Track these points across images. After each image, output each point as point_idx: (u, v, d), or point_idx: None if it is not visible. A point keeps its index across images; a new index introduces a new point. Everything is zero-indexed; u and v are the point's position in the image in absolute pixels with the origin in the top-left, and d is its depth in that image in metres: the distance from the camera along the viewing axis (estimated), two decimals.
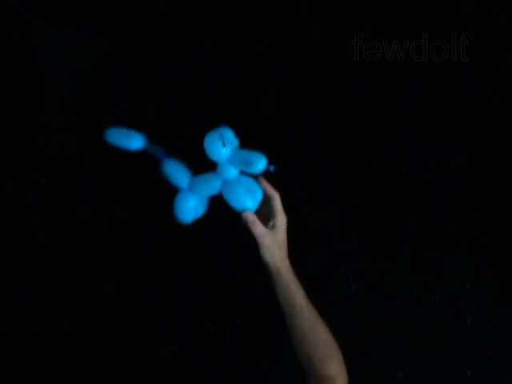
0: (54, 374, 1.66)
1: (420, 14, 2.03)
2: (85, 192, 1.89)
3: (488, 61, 1.93)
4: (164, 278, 1.73)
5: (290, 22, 2.08)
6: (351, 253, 1.72)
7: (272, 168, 0.82)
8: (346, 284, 1.67)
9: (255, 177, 0.85)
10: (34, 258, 1.81)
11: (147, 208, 1.82)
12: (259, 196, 0.83)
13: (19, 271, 1.80)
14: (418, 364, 1.58)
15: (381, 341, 1.60)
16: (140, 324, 1.69)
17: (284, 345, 1.54)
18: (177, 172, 0.86)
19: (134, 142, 0.88)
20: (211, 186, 0.85)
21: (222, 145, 0.82)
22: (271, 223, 0.83)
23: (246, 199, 0.82)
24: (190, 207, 0.86)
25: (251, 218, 0.81)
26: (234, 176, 0.83)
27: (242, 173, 0.84)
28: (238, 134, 0.85)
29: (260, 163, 0.81)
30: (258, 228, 0.81)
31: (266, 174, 0.84)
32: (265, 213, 0.84)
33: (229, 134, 0.83)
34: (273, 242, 0.81)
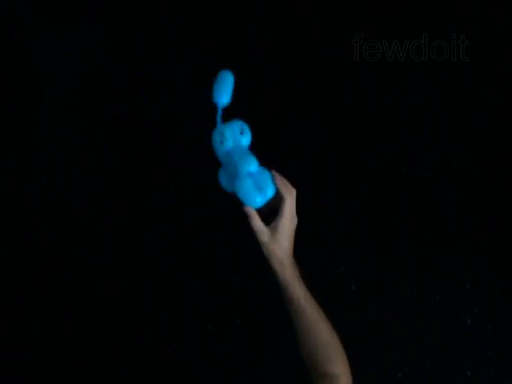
0: (54, 373, 1.66)
1: (420, 14, 2.03)
2: (85, 192, 1.89)
3: (488, 61, 1.92)
4: (164, 278, 1.73)
5: (290, 22, 2.08)
6: (351, 253, 1.72)
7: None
8: (346, 284, 1.67)
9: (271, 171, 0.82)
10: (34, 258, 1.81)
11: (147, 208, 1.82)
12: (270, 193, 0.80)
13: (19, 271, 1.80)
14: (418, 364, 1.58)
15: (381, 341, 1.60)
16: (140, 324, 1.69)
17: (284, 345, 1.54)
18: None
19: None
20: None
21: (220, 142, 0.82)
22: (273, 223, 0.80)
23: (255, 195, 0.80)
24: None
25: (250, 212, 0.79)
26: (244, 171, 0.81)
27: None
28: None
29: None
30: (255, 225, 0.79)
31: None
32: (275, 209, 0.81)
33: (229, 130, 0.83)
34: (270, 242, 0.79)
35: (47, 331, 1.70)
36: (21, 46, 2.21)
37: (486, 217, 1.74)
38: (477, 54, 1.90)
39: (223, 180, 0.85)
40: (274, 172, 0.82)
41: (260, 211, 0.81)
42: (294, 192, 0.80)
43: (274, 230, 0.79)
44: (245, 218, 0.80)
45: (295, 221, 0.81)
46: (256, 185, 0.80)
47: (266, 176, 0.81)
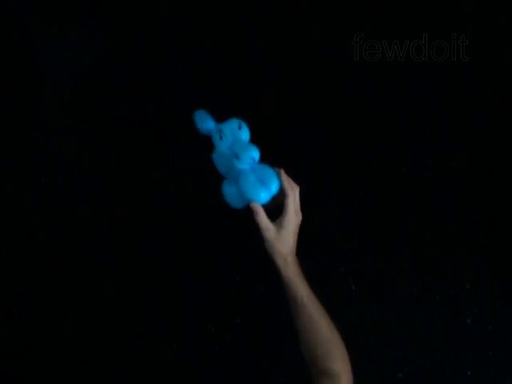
0: (54, 373, 1.66)
1: (420, 14, 2.03)
2: (85, 192, 1.89)
3: (488, 61, 1.92)
4: (164, 278, 1.73)
5: (290, 22, 2.08)
6: (351, 253, 1.72)
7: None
8: (346, 284, 1.67)
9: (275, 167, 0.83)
10: (34, 258, 1.81)
11: (147, 208, 1.82)
12: (274, 188, 0.81)
13: (19, 271, 1.80)
14: (418, 364, 1.58)
15: (381, 341, 1.60)
16: (140, 324, 1.69)
17: (284, 345, 1.54)
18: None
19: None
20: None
21: (219, 137, 0.82)
22: (278, 220, 0.81)
23: (259, 190, 0.80)
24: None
25: (256, 208, 0.79)
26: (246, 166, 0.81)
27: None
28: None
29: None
30: (261, 221, 0.79)
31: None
32: (281, 206, 0.82)
33: (227, 127, 0.83)
34: (275, 239, 0.79)
35: (47, 331, 1.70)
36: (21, 46, 2.21)
37: (486, 217, 1.74)
38: (477, 54, 1.90)
39: (229, 196, 0.85)
40: (277, 169, 0.83)
41: (265, 209, 0.81)
42: (297, 188, 0.82)
43: (279, 227, 0.80)
44: (248, 217, 0.80)
45: (300, 217, 0.82)
46: (260, 180, 0.81)
47: (269, 172, 0.82)
